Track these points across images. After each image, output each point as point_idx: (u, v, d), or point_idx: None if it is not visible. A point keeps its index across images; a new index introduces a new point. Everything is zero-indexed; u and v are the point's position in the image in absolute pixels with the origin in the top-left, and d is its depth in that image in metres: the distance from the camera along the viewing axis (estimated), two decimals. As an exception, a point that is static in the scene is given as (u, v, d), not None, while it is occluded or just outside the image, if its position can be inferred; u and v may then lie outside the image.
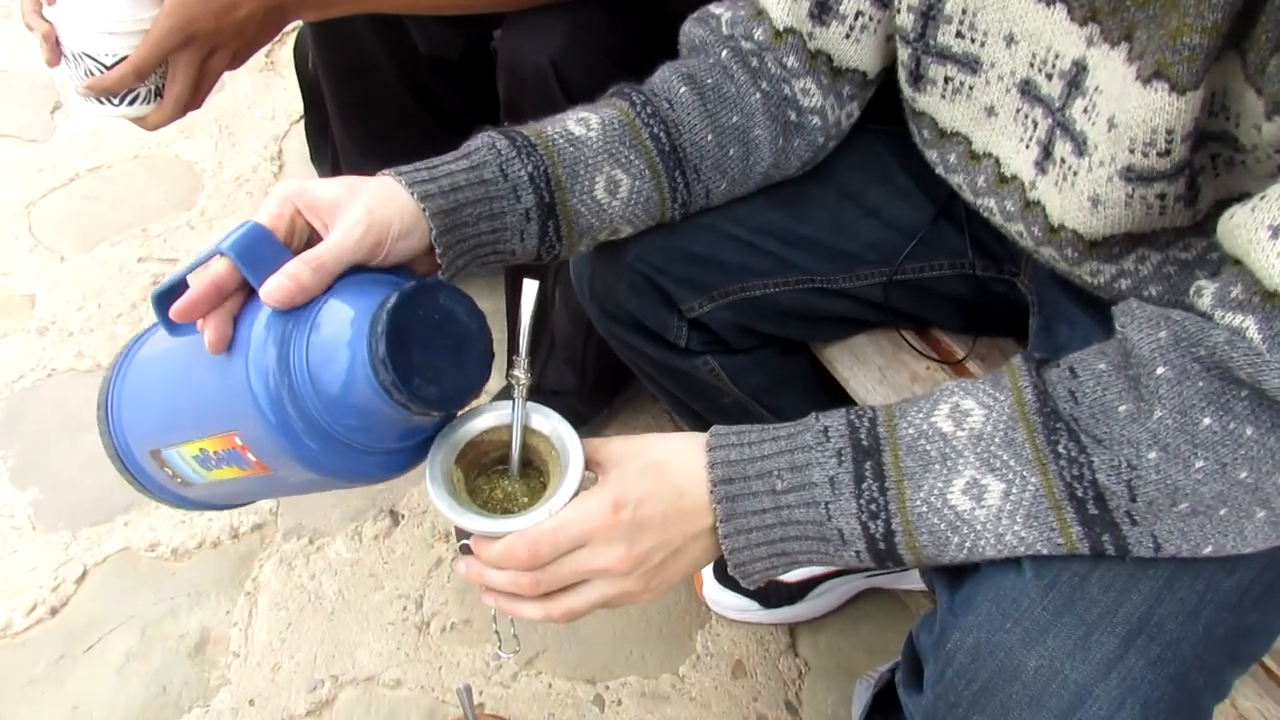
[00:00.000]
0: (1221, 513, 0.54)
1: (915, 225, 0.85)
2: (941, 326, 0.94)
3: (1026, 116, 0.68)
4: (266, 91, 2.02)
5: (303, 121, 1.74)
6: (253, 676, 1.18)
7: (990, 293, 0.88)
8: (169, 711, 1.15)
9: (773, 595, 1.19)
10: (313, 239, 0.62)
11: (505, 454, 0.64)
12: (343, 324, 0.57)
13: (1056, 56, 0.64)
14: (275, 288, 0.56)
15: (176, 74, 0.92)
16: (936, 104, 0.74)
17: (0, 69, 2.08)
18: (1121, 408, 0.54)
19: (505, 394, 0.62)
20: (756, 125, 0.77)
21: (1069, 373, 0.57)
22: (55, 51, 0.92)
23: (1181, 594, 0.56)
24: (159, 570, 1.28)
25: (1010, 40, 0.66)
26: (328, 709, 1.15)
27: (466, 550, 0.62)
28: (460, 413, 0.63)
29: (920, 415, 0.59)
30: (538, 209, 0.70)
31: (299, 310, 0.57)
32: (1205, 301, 0.52)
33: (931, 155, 0.79)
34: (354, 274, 0.60)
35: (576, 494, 0.60)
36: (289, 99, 1.97)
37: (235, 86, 2.01)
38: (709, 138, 0.76)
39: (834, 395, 0.95)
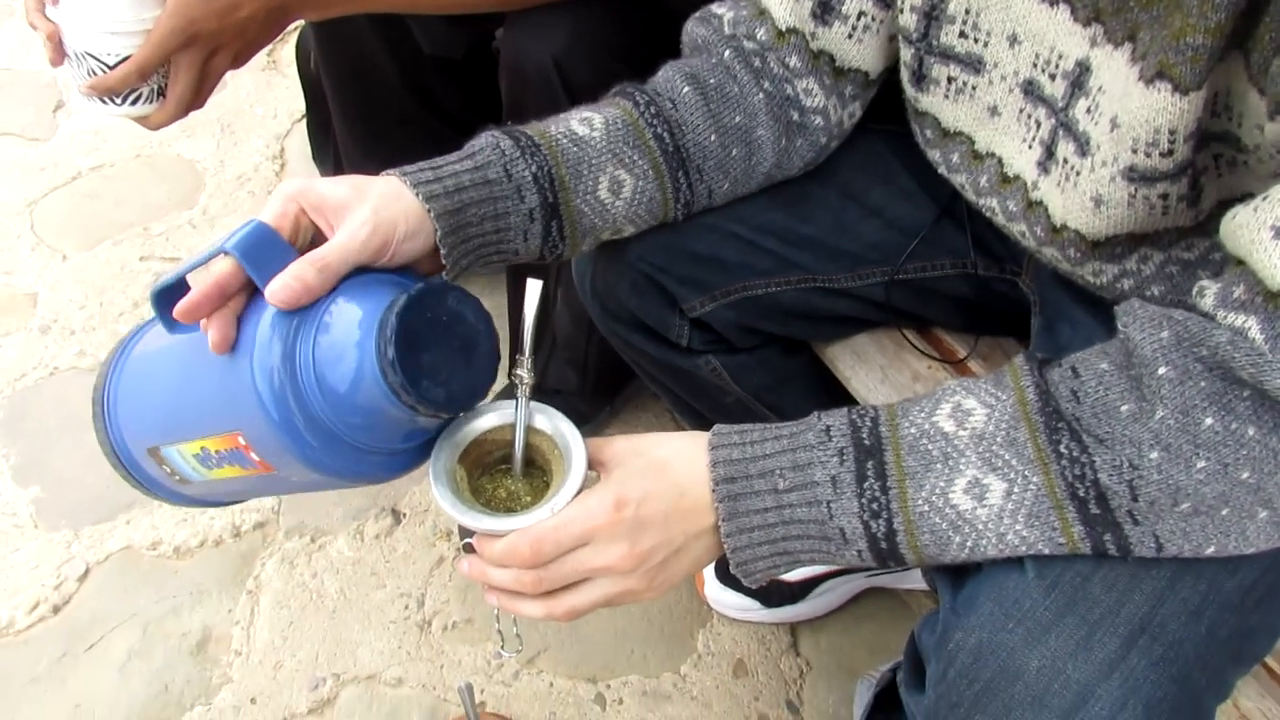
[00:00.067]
0: (1223, 513, 0.54)
1: (917, 225, 0.85)
2: (943, 326, 0.94)
3: (1029, 117, 0.68)
4: (268, 90, 2.02)
5: (304, 121, 1.74)
6: (254, 675, 1.18)
7: (992, 292, 0.88)
8: (171, 710, 1.15)
9: (774, 594, 1.19)
10: (317, 238, 0.62)
11: (508, 453, 0.64)
12: (350, 325, 0.57)
13: (1060, 57, 0.64)
14: (281, 288, 0.56)
15: (179, 74, 0.92)
16: (939, 104, 0.74)
17: (3, 68, 2.08)
18: (1124, 407, 0.54)
19: (508, 393, 0.62)
20: (759, 125, 0.77)
21: (1071, 372, 0.57)
22: (58, 51, 0.92)
23: (1184, 594, 0.56)
24: (161, 568, 1.28)
25: (1013, 40, 0.66)
26: (329, 707, 1.16)
27: (469, 549, 0.63)
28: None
29: (922, 414, 0.59)
30: (541, 209, 0.70)
31: (304, 310, 0.57)
32: (1208, 302, 0.53)
33: (934, 155, 0.79)
34: (359, 274, 0.60)
35: (579, 493, 0.60)
36: (291, 98, 1.97)
37: (237, 85, 2.01)
38: (712, 138, 0.76)
39: (836, 394, 0.95)
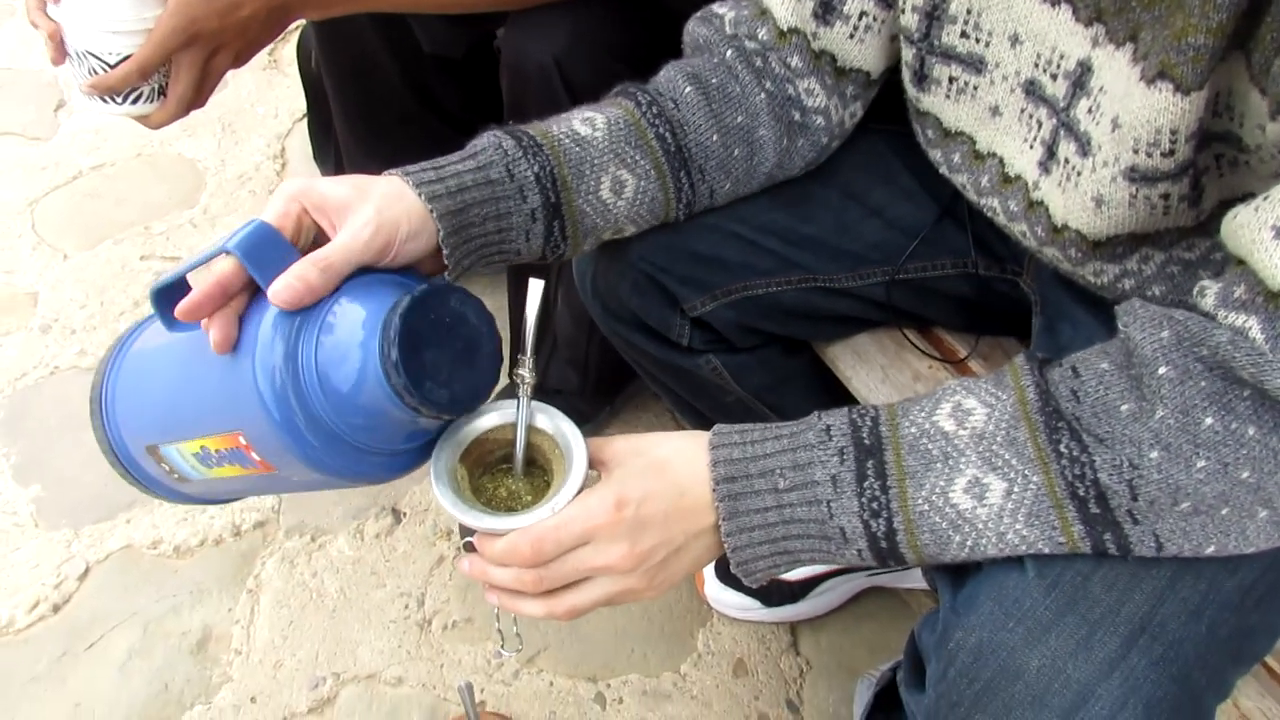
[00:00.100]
0: (1223, 512, 0.54)
1: (918, 225, 0.85)
2: (944, 326, 0.94)
3: (1031, 117, 0.68)
4: (269, 90, 2.02)
5: (305, 120, 1.74)
6: (254, 674, 1.18)
7: (993, 292, 0.88)
8: (171, 709, 1.15)
9: (774, 594, 1.19)
10: (319, 238, 0.62)
11: (509, 452, 0.64)
12: (353, 326, 0.57)
13: (1061, 57, 0.64)
14: (283, 288, 0.56)
15: (180, 73, 0.92)
16: (941, 104, 0.74)
17: (4, 67, 2.08)
18: (1124, 407, 0.54)
19: (509, 392, 0.62)
20: (761, 125, 0.77)
21: (1071, 372, 0.57)
22: (60, 50, 0.92)
23: (1184, 594, 0.56)
24: (161, 568, 1.28)
25: (1015, 40, 0.66)
26: (329, 706, 1.16)
27: (470, 548, 0.63)
28: (464, 411, 0.63)
29: (922, 414, 0.59)
30: (544, 209, 0.70)
31: (307, 310, 0.57)
32: (1208, 301, 0.53)
33: (935, 155, 0.79)
34: (361, 274, 0.60)
35: (580, 492, 0.60)
36: (292, 97, 1.97)
37: (238, 85, 2.01)
38: (714, 138, 0.76)
39: (836, 394, 0.95)
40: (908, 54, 0.73)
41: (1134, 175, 0.61)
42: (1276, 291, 0.49)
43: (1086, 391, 0.56)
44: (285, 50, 2.06)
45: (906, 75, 0.75)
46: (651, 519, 0.59)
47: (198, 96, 0.95)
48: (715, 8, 0.80)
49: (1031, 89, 0.67)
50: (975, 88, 0.71)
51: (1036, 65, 0.66)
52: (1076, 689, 0.55)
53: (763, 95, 0.77)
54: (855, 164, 0.85)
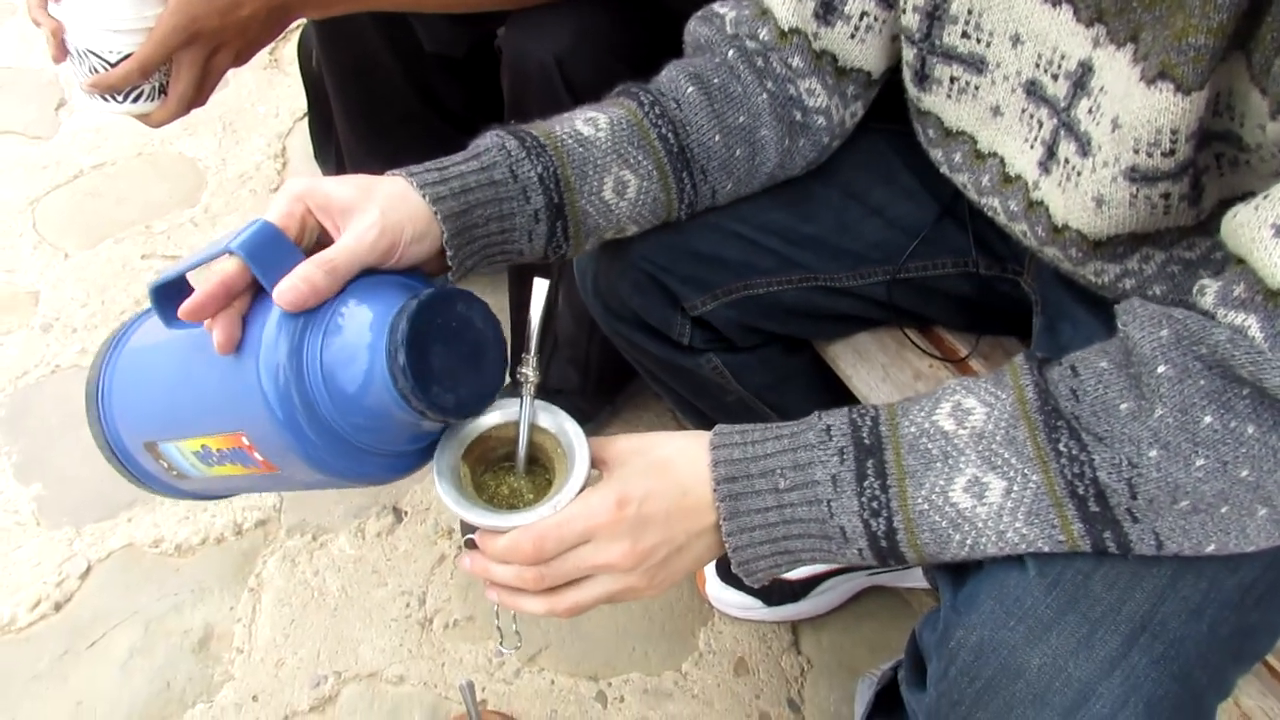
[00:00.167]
0: (1223, 510, 0.54)
1: (919, 224, 0.86)
2: (945, 325, 0.94)
3: (1031, 117, 0.68)
4: (270, 89, 2.02)
5: (306, 119, 1.74)
6: (256, 672, 1.18)
7: (994, 292, 0.88)
8: (172, 707, 1.16)
9: (775, 593, 1.20)
10: (323, 238, 0.62)
11: (512, 451, 0.64)
12: (359, 329, 0.57)
13: (1062, 57, 0.64)
14: (288, 290, 0.56)
15: (181, 72, 0.92)
16: (942, 104, 0.74)
17: (5, 66, 2.08)
18: (1123, 406, 0.54)
19: (512, 391, 0.63)
20: (763, 125, 0.77)
21: (1071, 371, 0.57)
22: (61, 48, 0.92)
23: (1185, 592, 0.56)
24: (163, 566, 1.28)
25: (1016, 40, 0.66)
26: (331, 705, 1.16)
27: (471, 545, 0.63)
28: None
29: (922, 414, 0.59)
30: (547, 210, 0.70)
31: (311, 311, 0.57)
32: (1208, 300, 0.53)
33: (936, 155, 0.79)
34: (365, 276, 0.60)
35: (582, 491, 0.60)
36: (293, 96, 1.97)
37: (239, 84, 2.01)
38: (716, 138, 0.76)
39: (837, 393, 0.95)
40: (909, 54, 0.73)
41: (1134, 175, 0.61)
42: (1276, 290, 0.49)
43: (1085, 390, 0.56)
44: (286, 49, 2.06)
45: (907, 75, 0.75)
46: (653, 518, 0.59)
47: (198, 95, 0.95)
48: (716, 7, 0.80)
49: (1032, 89, 0.67)
50: (976, 88, 0.71)
51: (1037, 65, 0.66)
52: (1077, 687, 0.55)
53: (764, 95, 0.77)
54: (856, 163, 0.85)
